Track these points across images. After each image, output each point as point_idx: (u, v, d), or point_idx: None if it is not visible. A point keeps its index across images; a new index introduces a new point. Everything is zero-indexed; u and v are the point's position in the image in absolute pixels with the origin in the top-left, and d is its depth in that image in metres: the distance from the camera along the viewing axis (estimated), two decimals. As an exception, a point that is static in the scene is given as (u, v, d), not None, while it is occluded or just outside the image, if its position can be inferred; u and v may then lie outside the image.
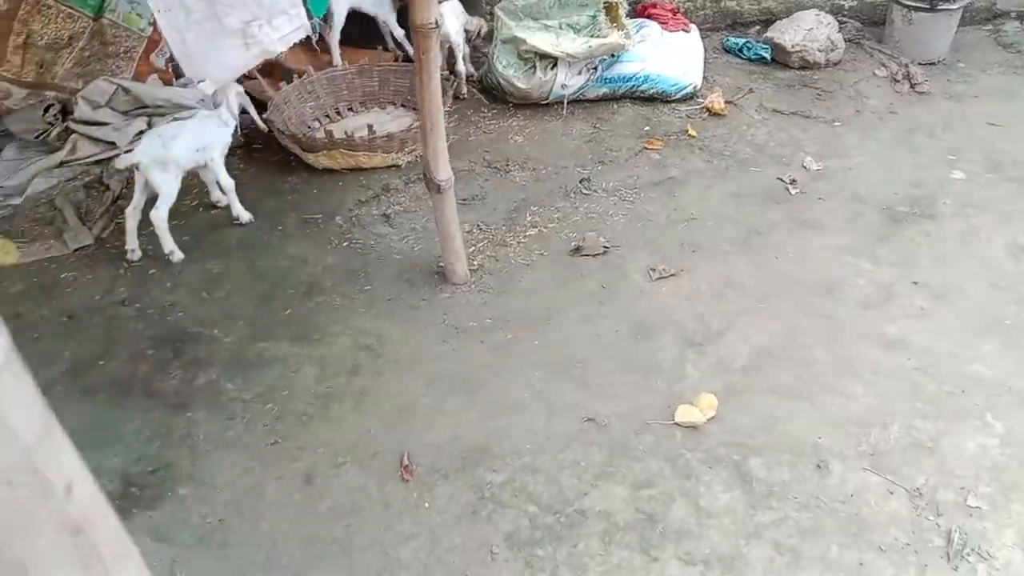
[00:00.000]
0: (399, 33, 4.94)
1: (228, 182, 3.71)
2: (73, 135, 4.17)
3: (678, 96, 4.53)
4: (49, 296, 3.36)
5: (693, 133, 4.30)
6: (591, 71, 4.48)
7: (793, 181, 3.89)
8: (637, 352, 2.99)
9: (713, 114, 4.44)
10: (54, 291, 3.38)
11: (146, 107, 4.35)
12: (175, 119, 3.92)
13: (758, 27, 5.25)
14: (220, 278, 3.42)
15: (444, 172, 3.07)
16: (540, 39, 4.40)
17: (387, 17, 4.86)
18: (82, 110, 4.20)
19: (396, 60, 4.95)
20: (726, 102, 4.53)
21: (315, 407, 2.80)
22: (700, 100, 4.56)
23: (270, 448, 2.65)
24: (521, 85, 4.49)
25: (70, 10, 4.35)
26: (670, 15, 4.85)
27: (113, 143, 4.17)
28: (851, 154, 4.12)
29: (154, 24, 4.49)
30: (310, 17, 4.27)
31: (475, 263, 3.46)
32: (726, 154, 4.14)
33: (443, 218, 3.20)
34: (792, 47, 4.78)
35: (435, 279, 3.38)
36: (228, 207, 3.87)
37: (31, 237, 3.73)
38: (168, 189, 3.49)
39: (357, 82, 4.63)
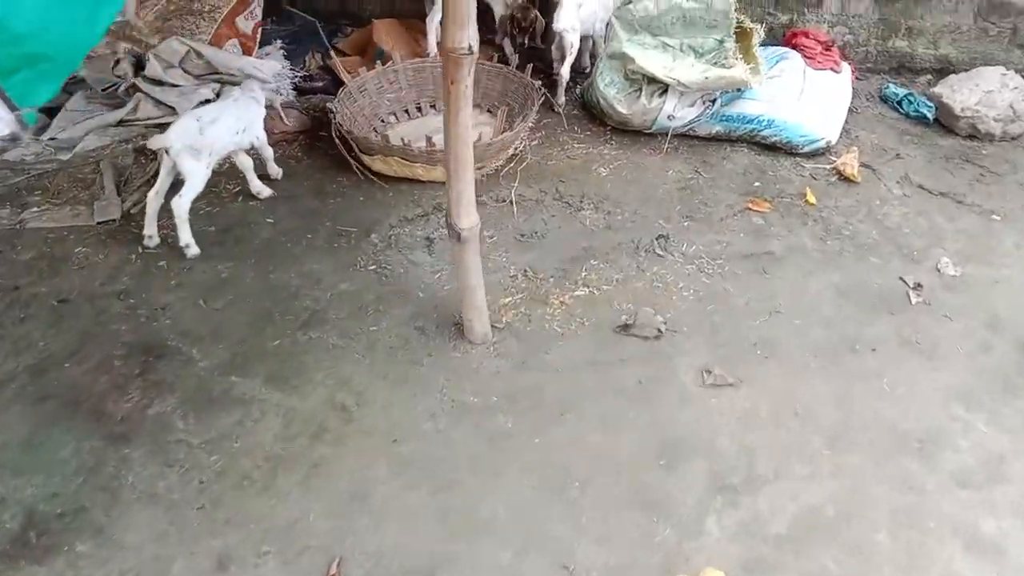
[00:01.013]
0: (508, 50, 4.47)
1: (246, 161, 3.56)
2: (138, 93, 3.99)
3: (805, 149, 3.83)
4: (54, 272, 3.18)
5: (812, 200, 3.60)
6: (707, 104, 3.85)
7: (918, 286, 3.15)
8: (654, 482, 2.44)
9: (843, 178, 3.71)
10: (61, 267, 3.20)
11: (219, 74, 4.12)
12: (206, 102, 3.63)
13: (930, 76, 4.40)
14: (225, 285, 3.12)
15: (467, 219, 2.60)
16: (652, 60, 3.81)
17: (494, 5, 4.39)
18: (153, 67, 4.00)
19: (491, 59, 4.49)
20: (862, 166, 3.78)
21: (261, 471, 2.44)
22: (831, 158, 3.84)
23: (195, 513, 2.32)
24: (621, 109, 3.92)
25: (164, -38, 4.16)
26: (820, 49, 4.11)
27: (174, 108, 3.97)
28: (1002, 262, 3.31)
29: None
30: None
31: (505, 319, 3.00)
32: (844, 233, 3.44)
33: (463, 269, 2.75)
34: (962, 110, 3.94)
35: (452, 331, 2.94)
36: (267, 199, 3.59)
37: (65, 199, 3.57)
38: (196, 178, 3.23)
39: (419, 83, 4.19)
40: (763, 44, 4.35)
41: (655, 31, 3.89)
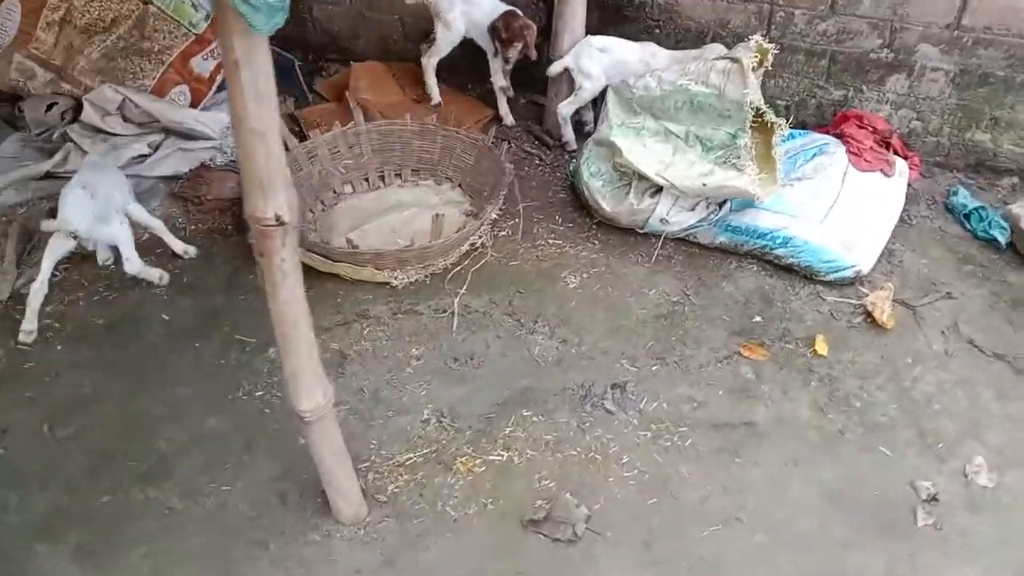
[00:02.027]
0: (499, 84, 3.87)
1: (155, 223, 3.29)
2: (68, 143, 3.62)
3: (828, 278, 3.09)
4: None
5: (822, 350, 2.89)
6: (711, 209, 3.17)
7: (933, 499, 2.43)
8: None
9: (871, 322, 2.97)
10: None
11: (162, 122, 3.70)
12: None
13: (1016, 180, 3.54)
14: (82, 406, 2.72)
15: (309, 400, 2.07)
16: (646, 152, 3.15)
17: (490, 58, 3.80)
18: (88, 115, 3.62)
19: (482, 121, 3.93)
20: (901, 304, 3.03)
21: None
22: (861, 290, 3.09)
23: None
24: (605, 206, 3.29)
25: (118, -10, 3.76)
26: (871, 143, 3.33)
27: (110, 161, 3.59)
28: (1062, 478, 2.53)
29: (212, 19, 3.79)
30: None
31: (392, 488, 2.47)
32: (854, 404, 2.72)
33: (320, 455, 2.22)
34: (1045, 241, 3.11)
35: (317, 503, 2.44)
36: (173, 285, 3.16)
37: (-41, 267, 3.25)
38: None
39: (416, 144, 3.65)
40: (804, 127, 3.63)
41: (657, 114, 3.21)
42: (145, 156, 3.62)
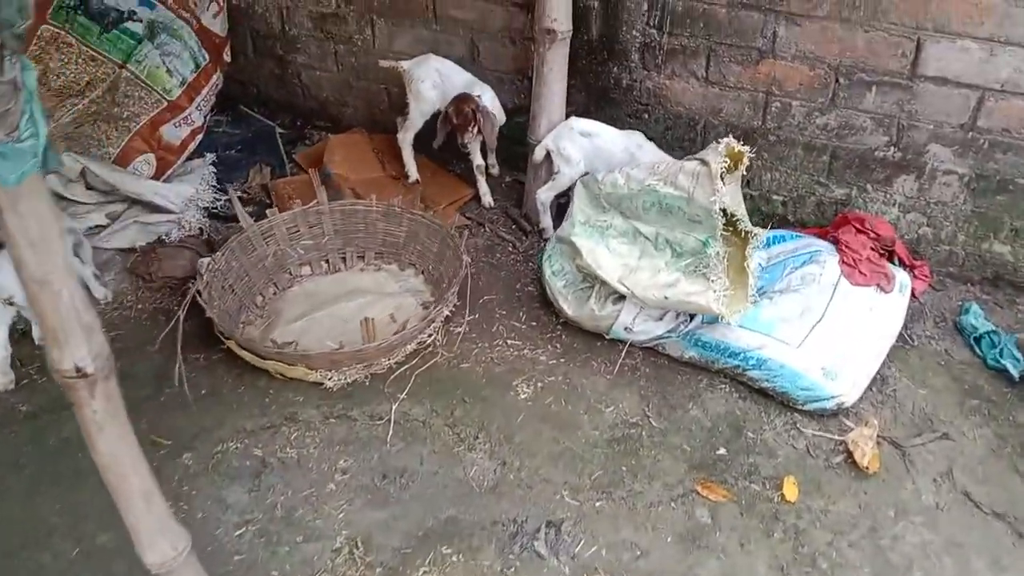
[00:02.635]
0: (476, 163, 3.64)
1: (85, 272, 3.22)
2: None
3: (807, 407, 2.75)
4: None
5: (791, 495, 2.54)
6: (681, 320, 2.87)
7: None
8: None
9: (851, 464, 2.61)
10: None
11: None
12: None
13: (1039, 298, 3.15)
14: (-26, 508, 2.54)
15: (153, 554, 1.83)
16: (608, 257, 2.88)
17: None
18: (51, 182, 3.51)
19: (461, 200, 3.72)
20: (890, 443, 2.67)
21: None
22: (846, 425, 2.74)
23: None
24: (567, 309, 3.02)
25: (94, 52, 3.68)
26: (868, 253, 2.99)
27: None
28: None
29: (187, 86, 3.68)
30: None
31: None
32: (821, 566, 2.36)
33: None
34: (1063, 381, 2.72)
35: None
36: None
37: None
38: None
39: (380, 226, 3.44)
40: (803, 226, 3.32)
41: (627, 213, 2.94)
42: (103, 227, 3.49)
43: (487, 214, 3.74)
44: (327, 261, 3.45)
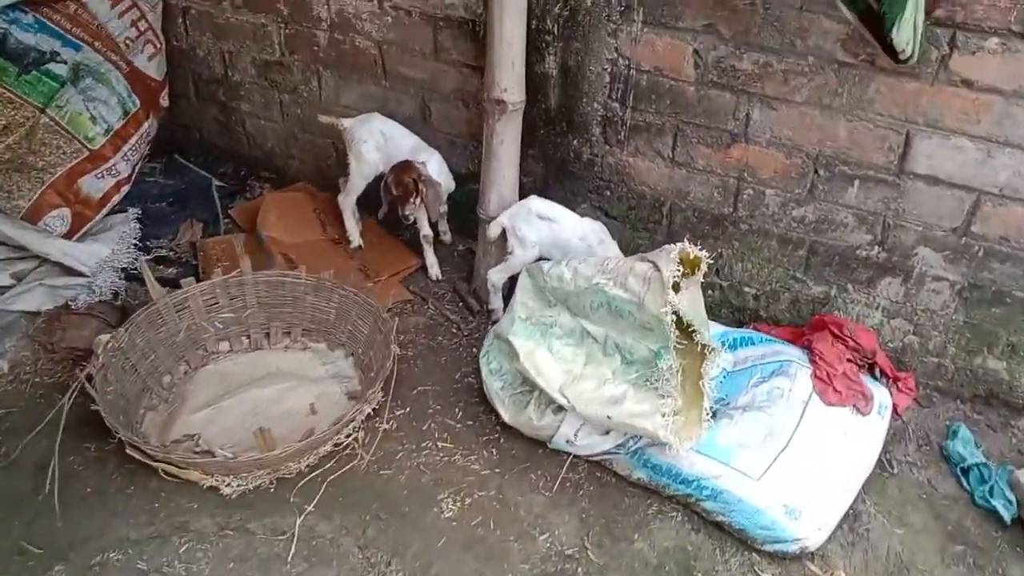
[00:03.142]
0: (422, 232, 3.33)
1: None
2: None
3: (764, 547, 2.40)
4: None
5: (740, 657, 2.19)
6: (626, 435, 2.53)
7: None
8: None
9: (814, 619, 2.27)
10: None
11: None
12: None
13: (1035, 422, 2.82)
14: None
15: None
16: (549, 361, 2.55)
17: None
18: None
19: (403, 273, 3.40)
20: (858, 598, 2.32)
21: None
22: (808, 571, 2.39)
23: None
24: (504, 414, 2.68)
25: (11, 95, 3.34)
26: (844, 368, 2.66)
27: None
28: None
29: (113, 135, 3.36)
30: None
31: None
32: None
33: None
34: (1059, 533, 2.37)
35: None
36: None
37: None
38: None
39: (309, 300, 3.10)
40: (776, 323, 3.00)
41: (575, 308, 2.61)
42: (6, 287, 3.16)
43: (433, 288, 3.40)
44: (248, 337, 3.11)
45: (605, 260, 2.52)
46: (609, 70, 2.92)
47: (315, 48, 3.51)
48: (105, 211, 3.43)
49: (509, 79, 2.82)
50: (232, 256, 3.43)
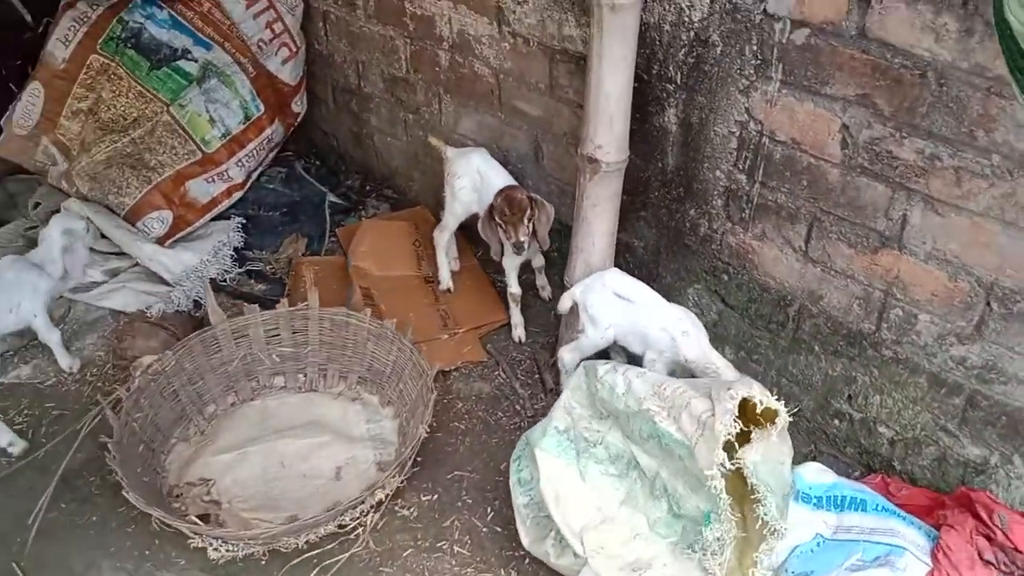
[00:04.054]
0: (510, 289, 2.95)
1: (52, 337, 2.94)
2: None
3: None
4: None
5: None
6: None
7: None
8: None
9: None
10: None
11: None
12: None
13: None
14: None
15: None
16: (577, 491, 2.09)
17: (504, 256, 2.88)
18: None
19: (486, 328, 3.06)
20: None
21: None
22: None
23: None
24: (523, 535, 2.24)
25: (142, 88, 3.38)
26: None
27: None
28: None
29: (230, 139, 3.32)
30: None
31: None
32: None
33: None
34: None
35: None
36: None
37: None
38: None
39: (370, 348, 2.83)
40: (912, 483, 2.33)
41: (626, 431, 2.12)
42: (98, 283, 3.19)
43: (513, 351, 3.01)
44: (304, 375, 2.91)
45: (664, 382, 1.99)
46: (737, 134, 2.36)
47: (437, 69, 3.22)
48: (209, 216, 3.38)
49: (605, 135, 2.35)
50: (326, 280, 3.25)
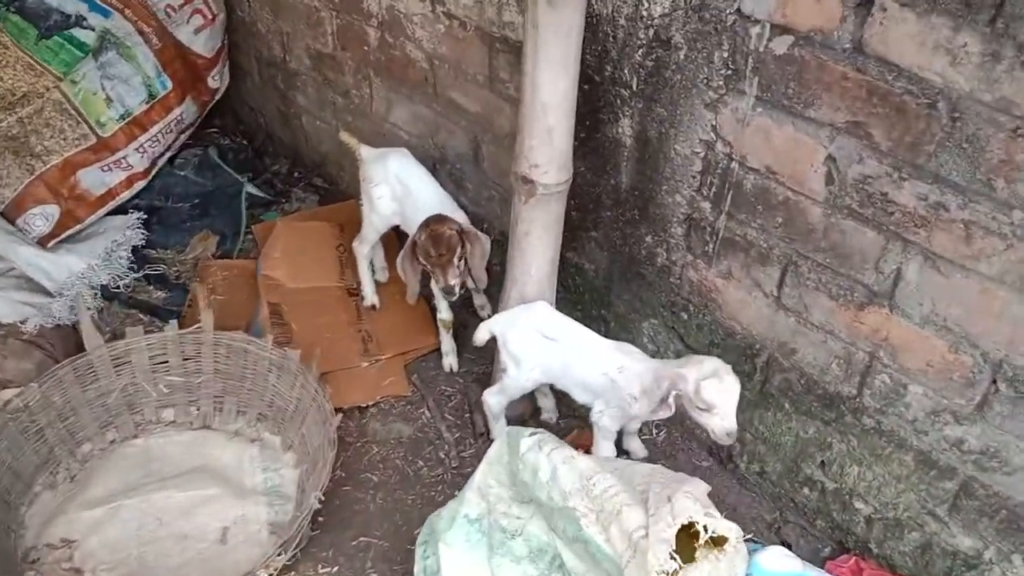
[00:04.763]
0: (440, 315, 2.58)
1: None
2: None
3: None
4: None
5: None
6: None
7: None
8: None
9: None
10: None
11: None
12: None
13: None
14: None
15: None
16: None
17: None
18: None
19: (412, 356, 2.68)
20: None
21: None
22: None
23: None
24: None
25: (31, 60, 2.91)
26: None
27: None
28: None
29: (129, 121, 2.88)
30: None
31: None
32: None
33: None
34: None
35: None
36: None
37: None
38: None
39: (271, 381, 2.43)
40: (892, 567, 2.01)
41: (549, 520, 1.75)
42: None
43: (443, 383, 2.63)
44: (197, 408, 2.52)
45: (594, 475, 1.61)
46: (702, 155, 1.96)
47: (365, 48, 2.78)
48: (104, 211, 2.94)
49: (543, 153, 1.94)
50: (233, 291, 2.86)
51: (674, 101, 1.94)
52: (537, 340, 2.10)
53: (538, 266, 2.14)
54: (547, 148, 1.92)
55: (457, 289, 2.34)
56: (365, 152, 2.58)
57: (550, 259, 2.15)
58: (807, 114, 1.72)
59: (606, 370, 2.03)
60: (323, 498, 2.04)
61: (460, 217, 2.42)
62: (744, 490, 2.30)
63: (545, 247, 2.11)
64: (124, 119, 2.94)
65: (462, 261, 2.33)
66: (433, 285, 2.44)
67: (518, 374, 2.16)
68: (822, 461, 2.10)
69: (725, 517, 1.83)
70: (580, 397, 2.15)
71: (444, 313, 2.56)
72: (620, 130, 2.10)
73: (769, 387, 2.14)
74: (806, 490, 2.17)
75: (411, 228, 2.44)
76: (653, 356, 2.32)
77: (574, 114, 1.94)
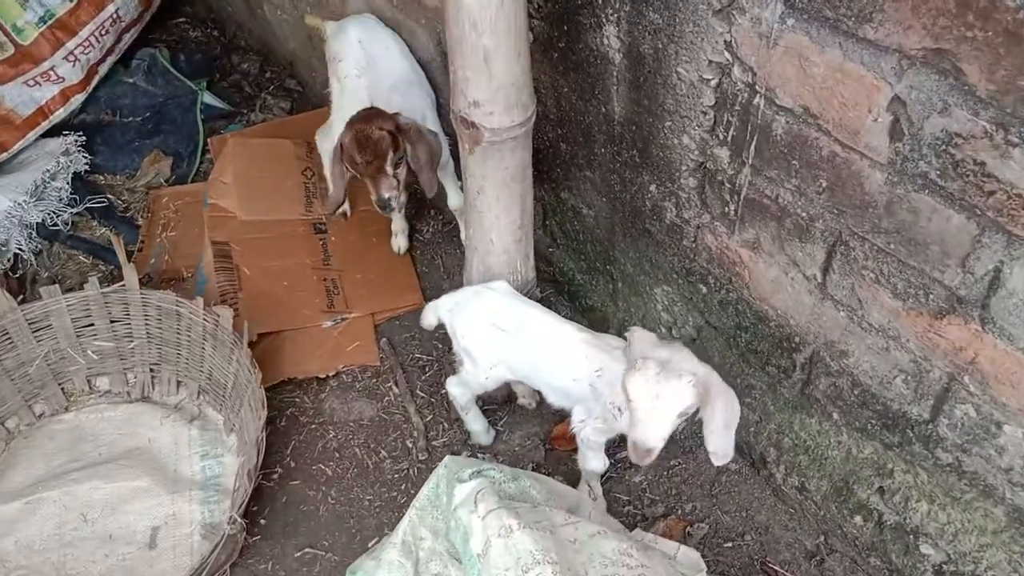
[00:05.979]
0: (396, 243, 2.14)
1: None
2: None
3: None
4: None
5: None
6: None
7: None
8: None
9: None
10: None
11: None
12: None
13: None
14: None
15: None
16: None
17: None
18: None
19: (384, 314, 2.25)
20: None
21: None
22: None
23: None
24: None
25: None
26: None
27: None
28: None
29: (51, 24, 2.46)
30: None
31: None
32: None
33: None
34: None
35: None
36: None
37: None
38: None
39: (207, 350, 2.07)
40: None
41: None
42: None
43: (417, 348, 2.20)
44: (135, 377, 2.19)
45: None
46: (713, 83, 1.37)
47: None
48: (35, 133, 2.55)
49: (481, 86, 1.38)
50: (188, 218, 2.47)
51: (670, 2, 1.34)
52: (491, 333, 1.63)
53: (499, 233, 1.63)
54: (484, 80, 1.37)
55: (394, 202, 1.87)
56: (331, 29, 2.12)
57: (514, 223, 1.63)
58: (863, 33, 1.11)
59: (582, 375, 1.54)
60: (245, 524, 1.70)
61: (420, 102, 1.93)
62: (780, 505, 1.83)
63: (504, 209, 1.59)
64: (45, 22, 2.50)
65: (401, 166, 1.85)
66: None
67: (476, 371, 1.70)
68: (881, 488, 1.60)
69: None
70: (557, 402, 1.68)
71: (403, 241, 2.13)
72: (605, 40, 1.51)
73: (813, 390, 1.61)
74: (858, 518, 1.68)
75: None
76: (668, 330, 1.83)
77: (525, 29, 1.36)
